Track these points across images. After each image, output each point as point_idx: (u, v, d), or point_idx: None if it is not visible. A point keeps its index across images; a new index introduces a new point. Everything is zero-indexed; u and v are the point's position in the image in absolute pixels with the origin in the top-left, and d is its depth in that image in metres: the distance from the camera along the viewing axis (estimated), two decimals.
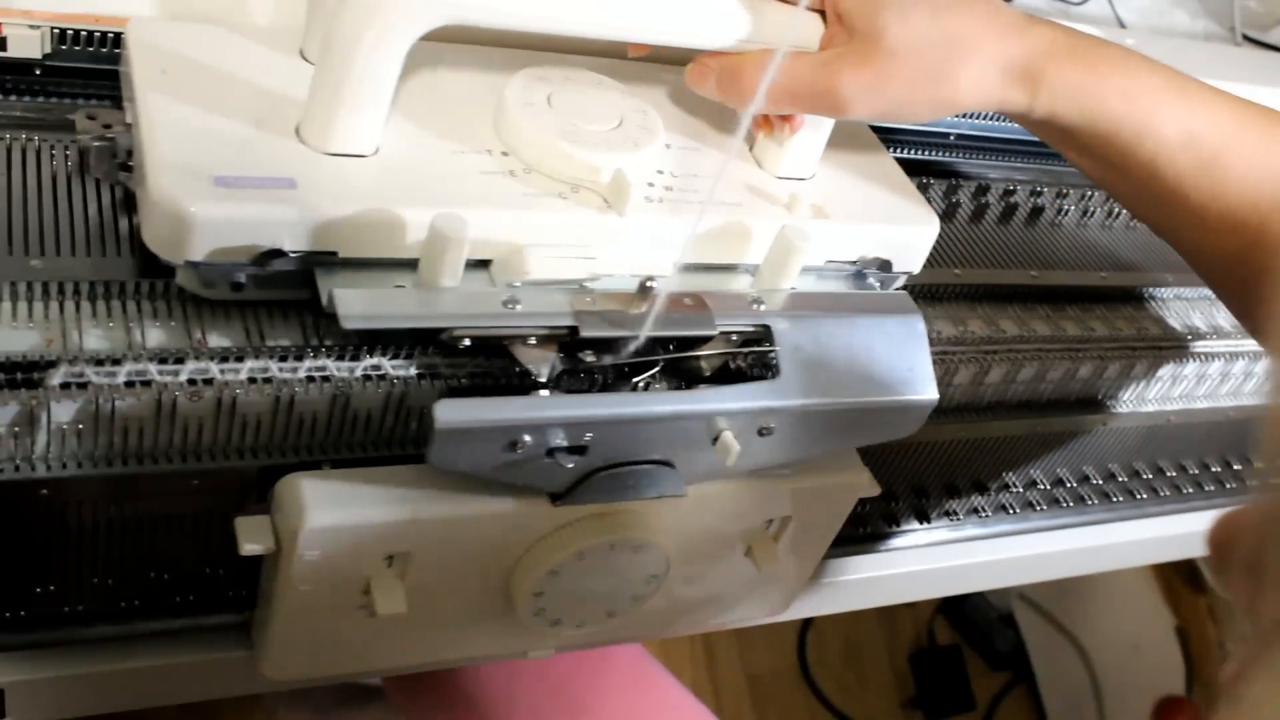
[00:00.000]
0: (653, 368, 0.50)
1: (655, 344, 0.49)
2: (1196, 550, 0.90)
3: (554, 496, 0.49)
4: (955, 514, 0.72)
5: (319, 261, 0.46)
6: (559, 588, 0.52)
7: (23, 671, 0.51)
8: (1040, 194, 0.76)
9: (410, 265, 0.47)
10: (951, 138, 0.78)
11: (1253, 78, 0.88)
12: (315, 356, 0.47)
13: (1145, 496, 0.80)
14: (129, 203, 0.50)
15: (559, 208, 0.49)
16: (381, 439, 0.50)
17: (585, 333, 0.47)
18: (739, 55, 0.51)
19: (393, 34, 0.45)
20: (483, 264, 0.49)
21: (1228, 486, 0.84)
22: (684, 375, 0.51)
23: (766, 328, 0.50)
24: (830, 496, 0.57)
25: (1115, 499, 0.79)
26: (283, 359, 0.46)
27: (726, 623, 0.65)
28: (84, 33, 0.53)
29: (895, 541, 0.71)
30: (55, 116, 0.53)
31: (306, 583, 0.47)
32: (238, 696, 0.58)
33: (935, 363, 0.54)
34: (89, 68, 0.54)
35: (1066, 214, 0.76)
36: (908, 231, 0.57)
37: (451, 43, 0.55)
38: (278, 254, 0.44)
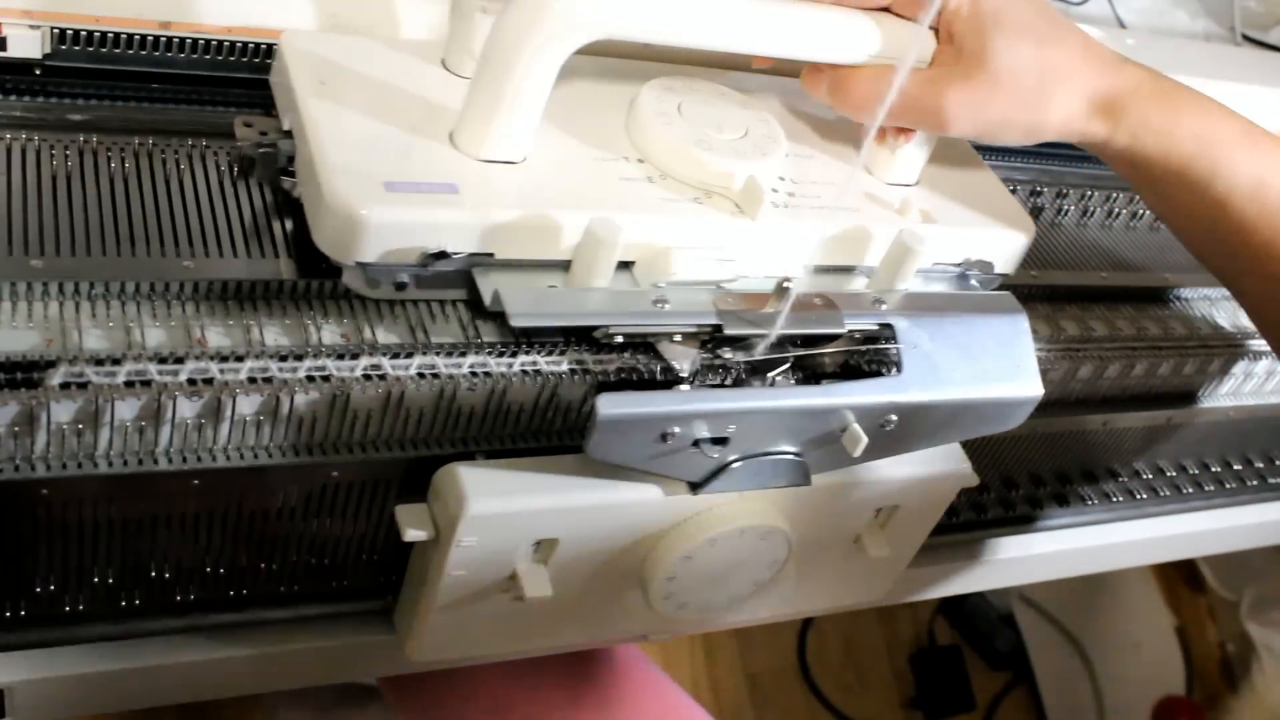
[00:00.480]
0: (783, 364, 0.53)
1: (784, 341, 0.52)
2: (1196, 550, 0.90)
3: (693, 485, 0.52)
4: (955, 513, 0.72)
5: (477, 263, 0.49)
6: (690, 572, 0.55)
7: (24, 672, 0.51)
8: (1040, 194, 0.76)
9: (559, 266, 0.50)
10: None
11: (1253, 78, 0.88)
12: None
13: (1145, 496, 0.80)
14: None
15: (695, 212, 0.52)
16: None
17: (729, 330, 0.50)
18: (850, 66, 0.54)
19: (550, 48, 0.48)
20: (623, 265, 0.51)
21: (1228, 486, 0.84)
22: (810, 371, 0.54)
23: (889, 326, 0.54)
24: (936, 487, 0.60)
25: (1115, 499, 0.79)
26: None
27: (827, 607, 0.68)
28: (84, 33, 0.53)
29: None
30: (55, 116, 0.53)
31: (460, 568, 0.50)
32: (237, 697, 0.58)
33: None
34: (89, 68, 0.55)
35: (1066, 214, 0.77)
36: (1005, 235, 0.60)
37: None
38: (442, 255, 0.48)
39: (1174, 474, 0.82)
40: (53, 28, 0.53)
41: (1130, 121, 0.55)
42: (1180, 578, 1.57)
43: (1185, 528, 0.84)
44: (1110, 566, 0.84)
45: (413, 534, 0.49)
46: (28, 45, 0.52)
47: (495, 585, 0.52)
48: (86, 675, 0.52)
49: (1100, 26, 0.91)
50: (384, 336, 0.49)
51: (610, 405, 0.47)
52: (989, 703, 1.61)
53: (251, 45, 0.57)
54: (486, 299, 0.48)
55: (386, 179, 0.47)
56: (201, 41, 0.56)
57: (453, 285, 0.50)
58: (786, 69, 0.58)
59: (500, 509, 0.49)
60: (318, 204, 0.47)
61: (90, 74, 0.55)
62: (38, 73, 0.54)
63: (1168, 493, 0.81)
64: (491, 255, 0.49)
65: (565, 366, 0.50)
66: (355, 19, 0.56)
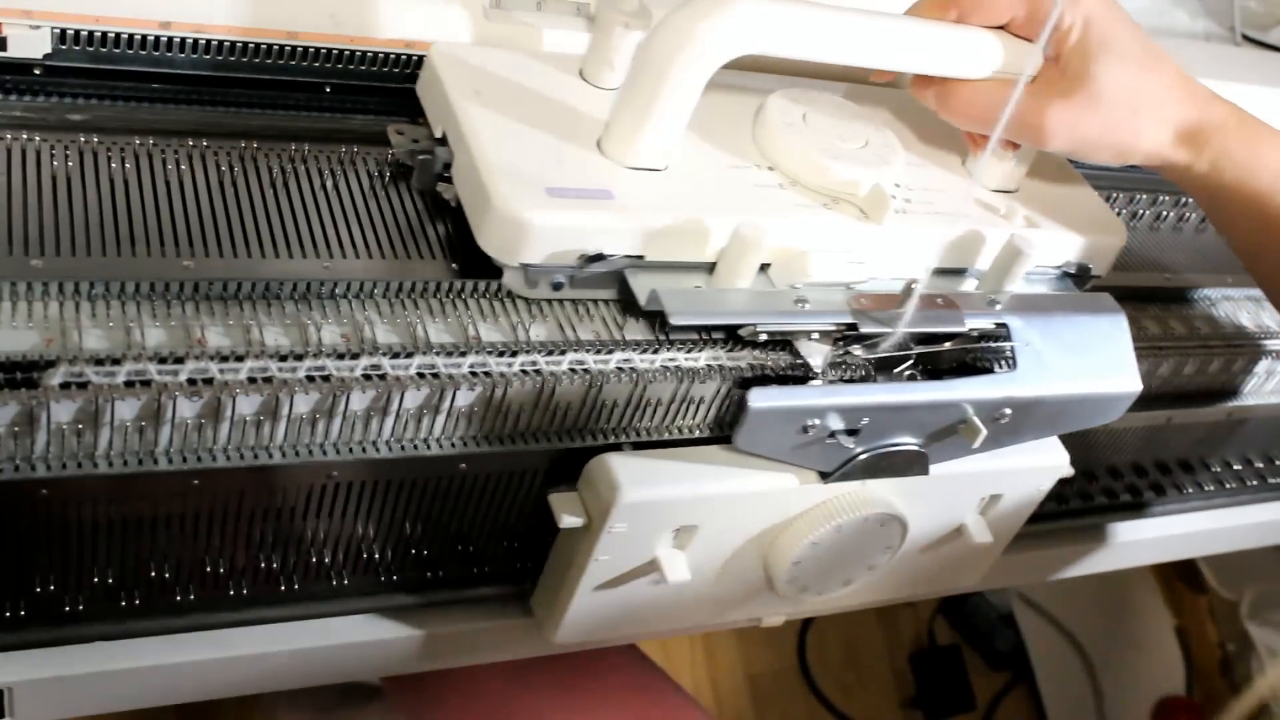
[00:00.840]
0: (907, 360, 0.57)
1: (906, 338, 0.56)
2: (1196, 550, 0.90)
3: (823, 474, 0.56)
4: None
5: (629, 264, 0.52)
6: (815, 557, 0.59)
7: (24, 672, 0.51)
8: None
9: (702, 268, 0.54)
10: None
11: (1252, 78, 0.88)
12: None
13: (1146, 496, 0.80)
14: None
15: (825, 217, 0.56)
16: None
17: (864, 328, 0.54)
18: (961, 80, 0.58)
19: (700, 63, 0.51)
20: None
21: (1228, 486, 0.84)
22: (928, 367, 0.58)
23: (1004, 325, 0.57)
24: (1037, 477, 0.63)
25: (1117, 498, 0.79)
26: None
27: (926, 592, 0.72)
28: (84, 32, 0.53)
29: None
30: (55, 116, 0.53)
31: (606, 553, 0.53)
32: (237, 697, 0.58)
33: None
34: (89, 68, 0.55)
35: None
36: (1101, 240, 0.64)
37: None
38: (599, 257, 0.51)
39: (1174, 474, 0.81)
40: (53, 28, 0.53)
41: (1212, 151, 0.58)
42: (1180, 578, 1.57)
43: (1185, 528, 0.84)
44: (1110, 566, 0.84)
45: (568, 520, 0.52)
46: (28, 45, 0.52)
47: (636, 570, 0.55)
48: (87, 675, 0.52)
49: None
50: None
51: (761, 399, 0.51)
52: (989, 703, 1.61)
53: (253, 45, 0.57)
54: (641, 299, 0.52)
55: (548, 185, 0.51)
56: (202, 41, 0.56)
57: (603, 285, 0.53)
58: (900, 81, 0.64)
59: (650, 497, 0.52)
60: (484, 209, 0.50)
61: (90, 74, 0.55)
62: (38, 73, 0.54)
63: (1168, 492, 0.81)
64: (642, 257, 0.52)
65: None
66: (504, 34, 0.60)
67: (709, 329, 0.53)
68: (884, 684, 1.59)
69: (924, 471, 0.58)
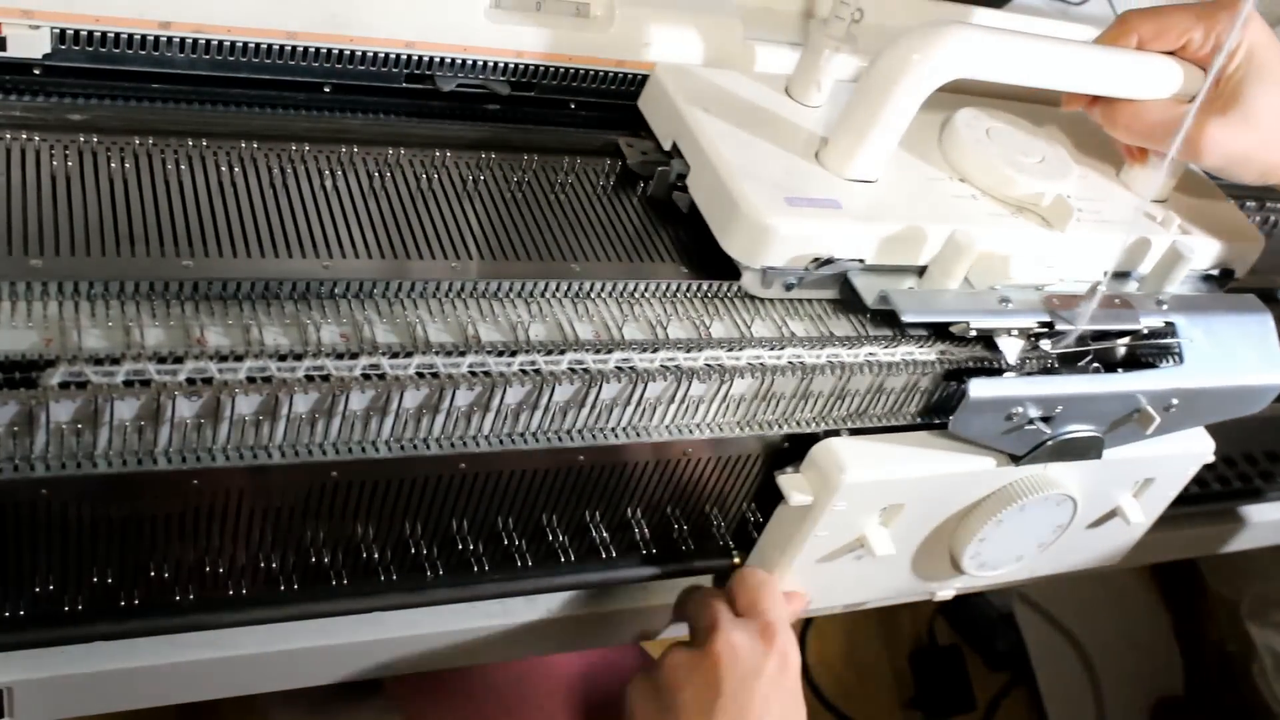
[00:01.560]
0: (1087, 355, 0.64)
1: (1085, 335, 0.62)
2: (1196, 550, 0.90)
3: (1015, 458, 0.61)
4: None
5: (852, 267, 0.58)
6: (998, 534, 0.64)
7: (24, 672, 0.51)
8: None
9: (913, 270, 0.60)
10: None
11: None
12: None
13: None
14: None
15: (1015, 225, 0.62)
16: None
17: (1059, 326, 0.60)
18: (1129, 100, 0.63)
19: (919, 86, 0.57)
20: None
21: (1230, 486, 0.84)
22: (1102, 361, 0.65)
23: (1171, 323, 0.64)
24: (1186, 463, 0.70)
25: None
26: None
27: (1072, 569, 0.77)
28: (84, 33, 0.53)
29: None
30: (55, 116, 0.53)
31: (825, 529, 0.59)
32: (237, 697, 0.58)
33: None
34: (89, 68, 0.55)
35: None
36: (1241, 245, 0.70)
37: None
38: (828, 261, 0.56)
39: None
40: (53, 28, 0.53)
41: None
42: (1180, 578, 1.57)
43: (1185, 528, 0.84)
44: (1110, 566, 0.84)
45: (797, 498, 0.58)
46: (28, 45, 0.52)
47: (845, 545, 0.61)
48: (86, 675, 0.52)
49: (1100, 26, 0.91)
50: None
51: (981, 389, 0.57)
52: (989, 703, 1.61)
53: (253, 45, 0.57)
54: (868, 299, 0.58)
55: (785, 194, 0.56)
56: (202, 41, 0.56)
57: (825, 287, 0.59)
58: (1040, 97, 0.69)
59: (870, 478, 0.58)
60: (731, 216, 0.56)
61: (90, 74, 0.55)
62: (37, 73, 0.54)
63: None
64: (863, 261, 0.58)
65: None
66: (719, 55, 0.66)
67: (911, 325, 0.59)
68: (884, 684, 1.59)
69: (1098, 456, 0.63)
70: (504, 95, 0.63)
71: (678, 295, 0.57)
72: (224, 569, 0.52)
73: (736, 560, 0.64)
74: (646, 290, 0.57)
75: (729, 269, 0.57)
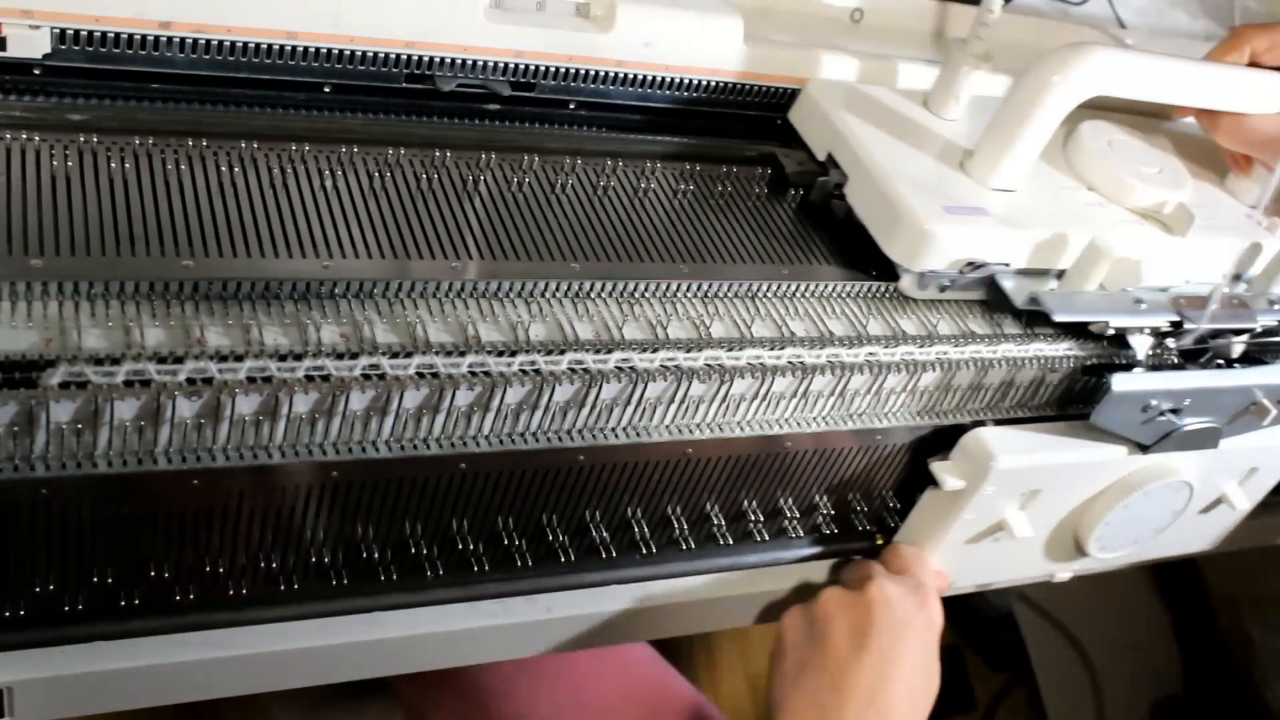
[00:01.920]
0: (1208, 352, 0.68)
1: (1205, 334, 0.66)
2: (1196, 550, 0.90)
3: (1143, 447, 0.66)
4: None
5: (999, 271, 0.62)
6: (1122, 519, 0.69)
7: (24, 672, 0.51)
8: None
9: (1052, 274, 0.64)
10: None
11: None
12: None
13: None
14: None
15: (1141, 231, 0.66)
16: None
17: (1187, 325, 0.65)
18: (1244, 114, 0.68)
19: (1061, 103, 0.61)
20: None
21: None
22: (1220, 358, 0.69)
23: None
24: None
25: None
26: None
27: (1183, 550, 0.81)
28: (84, 32, 0.53)
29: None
30: (55, 116, 0.53)
31: (972, 512, 0.64)
32: (237, 697, 0.58)
33: None
34: (89, 68, 0.55)
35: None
36: None
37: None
38: (978, 265, 0.61)
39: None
40: (52, 28, 0.53)
41: None
42: (1180, 578, 1.57)
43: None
44: (1109, 566, 0.84)
45: (951, 483, 0.62)
46: (27, 45, 0.52)
47: (986, 529, 0.66)
48: (87, 675, 0.52)
49: (1100, 26, 0.91)
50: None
51: (1123, 384, 0.62)
52: (989, 703, 1.61)
53: (253, 45, 0.57)
54: (1018, 300, 0.62)
55: (943, 203, 0.61)
56: (202, 41, 0.56)
57: (973, 288, 0.64)
58: (1145, 109, 0.76)
59: (1017, 464, 0.62)
60: (895, 223, 0.60)
61: (90, 74, 0.55)
62: (37, 73, 0.54)
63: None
64: (1008, 265, 0.62)
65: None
66: (863, 72, 0.71)
67: (1049, 324, 0.63)
68: None
69: (1215, 445, 0.68)
70: (578, 105, 0.66)
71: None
72: (224, 569, 0.52)
73: (880, 541, 0.69)
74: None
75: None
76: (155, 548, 0.50)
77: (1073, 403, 0.68)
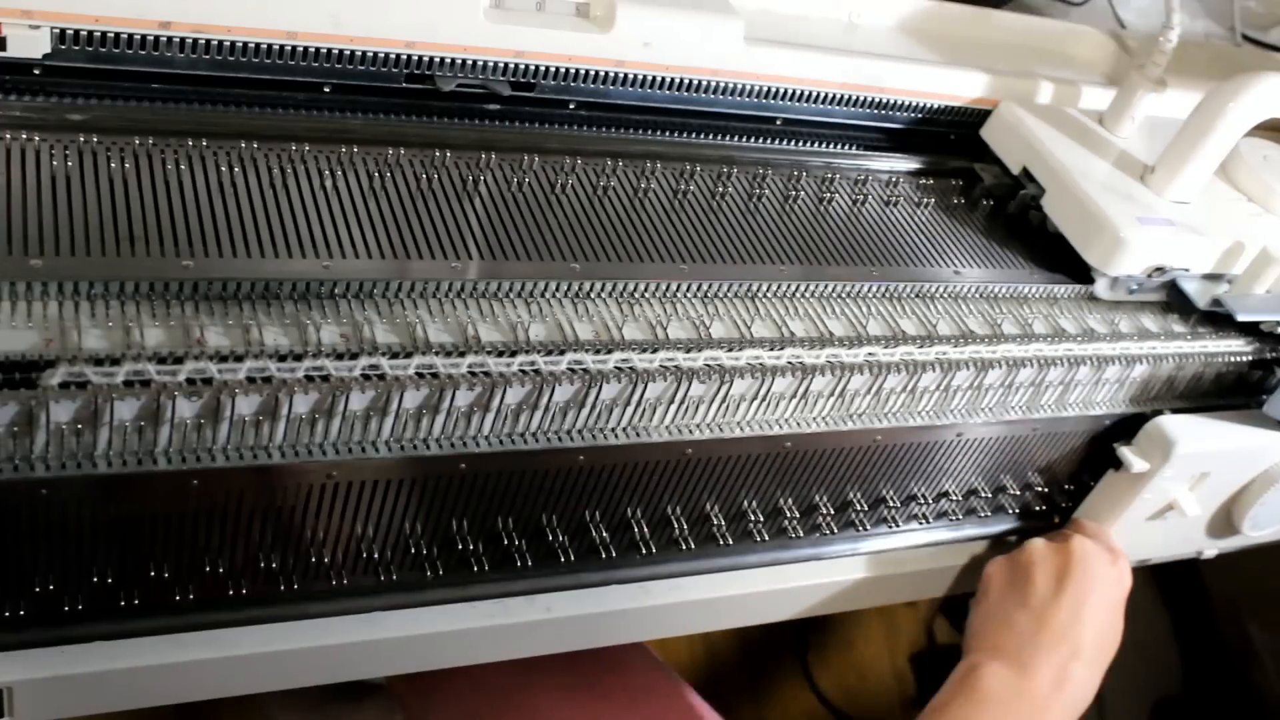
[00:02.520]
0: None
1: None
2: (1196, 550, 0.90)
3: None
4: (955, 515, 0.72)
5: (1180, 275, 0.70)
6: (1276, 499, 0.76)
7: (24, 672, 0.51)
8: None
9: (1224, 279, 0.71)
10: (951, 137, 0.79)
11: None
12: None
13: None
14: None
15: None
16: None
17: None
18: None
19: (1240, 124, 0.69)
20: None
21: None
22: None
23: None
24: None
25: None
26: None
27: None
28: (84, 32, 0.53)
29: (895, 541, 0.72)
30: (55, 116, 0.53)
31: (1149, 493, 0.71)
32: (235, 697, 0.58)
33: None
34: (89, 68, 0.55)
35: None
36: None
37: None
38: (1164, 270, 0.69)
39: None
40: (52, 28, 0.53)
41: None
42: (1180, 578, 1.57)
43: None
44: None
45: (1138, 465, 0.69)
46: (27, 45, 0.52)
47: (1160, 508, 0.73)
48: (86, 675, 0.52)
49: (1100, 26, 0.91)
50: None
51: None
52: None
53: (253, 45, 0.57)
54: (1200, 302, 0.69)
55: (1136, 214, 0.68)
56: (202, 41, 0.56)
57: (1153, 291, 0.71)
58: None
59: (1196, 449, 0.69)
60: (1096, 232, 0.68)
61: (90, 74, 0.55)
62: (37, 73, 0.54)
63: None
64: (1188, 270, 0.70)
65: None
66: (1045, 94, 0.78)
67: (1215, 324, 0.71)
68: (884, 684, 1.59)
69: None
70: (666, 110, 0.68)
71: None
72: (224, 569, 0.52)
73: (1057, 520, 0.76)
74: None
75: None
76: (155, 548, 0.50)
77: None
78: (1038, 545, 0.70)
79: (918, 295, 0.65)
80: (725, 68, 0.68)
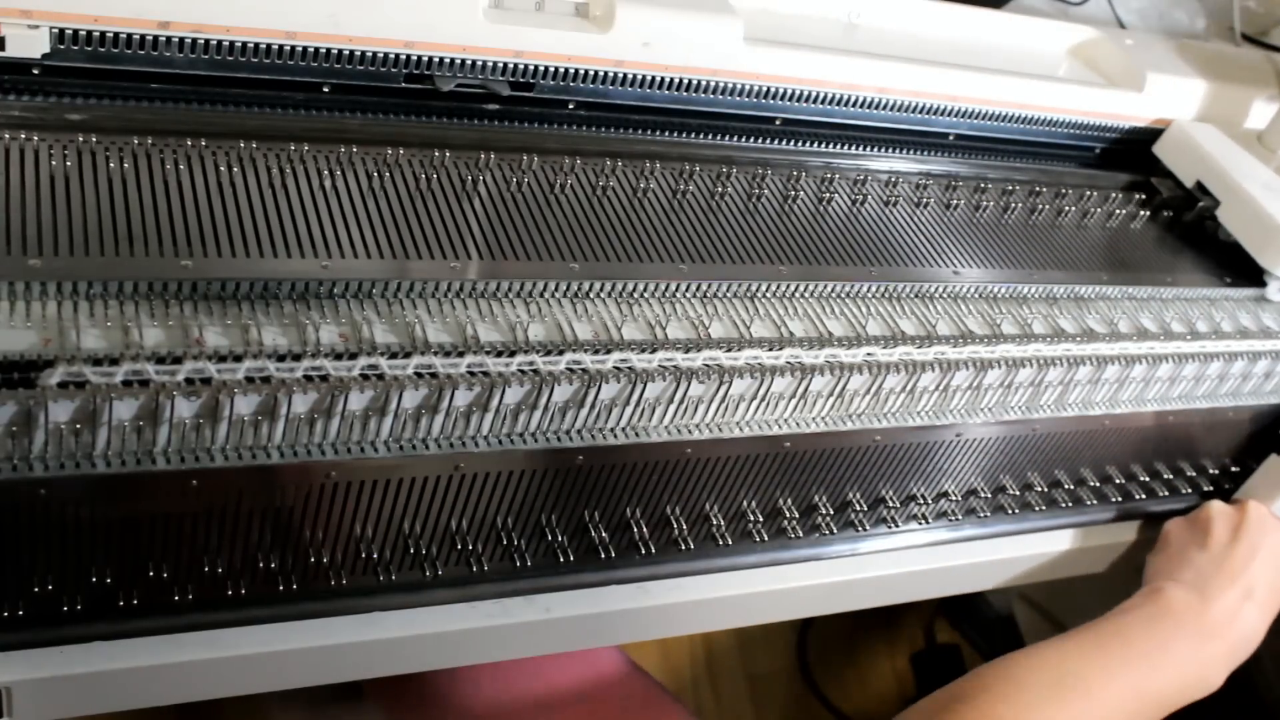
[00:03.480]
0: None
1: None
2: None
3: None
4: (954, 515, 0.72)
5: None
6: None
7: (24, 672, 0.51)
8: (1039, 193, 0.77)
9: None
10: (951, 137, 0.79)
11: (1253, 78, 0.88)
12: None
13: (1142, 497, 0.80)
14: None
15: None
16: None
17: None
18: None
19: None
20: None
21: (1225, 487, 0.84)
22: None
23: None
24: None
25: (1113, 499, 0.79)
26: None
27: None
28: (84, 32, 0.53)
29: (895, 541, 0.71)
30: (55, 116, 0.53)
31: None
32: (237, 697, 0.58)
33: None
34: (88, 68, 0.55)
35: (1066, 214, 0.77)
36: None
37: None
38: None
39: (1170, 476, 0.81)
40: (51, 28, 0.53)
41: None
42: None
43: None
44: (1109, 567, 0.84)
45: None
46: (27, 45, 0.52)
47: None
48: (86, 675, 0.52)
49: (1100, 26, 0.91)
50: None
51: None
52: None
53: (252, 45, 0.57)
54: None
55: None
56: (201, 41, 0.56)
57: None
58: None
59: None
60: (1272, 239, 0.76)
61: (89, 74, 0.55)
62: (36, 73, 0.54)
63: (1165, 494, 0.81)
64: None
65: None
66: (1211, 112, 0.86)
67: None
68: (884, 684, 1.59)
69: None
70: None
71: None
72: (223, 569, 0.52)
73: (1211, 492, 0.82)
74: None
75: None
76: (154, 548, 0.50)
77: None
78: (1216, 504, 0.77)
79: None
80: (725, 68, 0.68)
